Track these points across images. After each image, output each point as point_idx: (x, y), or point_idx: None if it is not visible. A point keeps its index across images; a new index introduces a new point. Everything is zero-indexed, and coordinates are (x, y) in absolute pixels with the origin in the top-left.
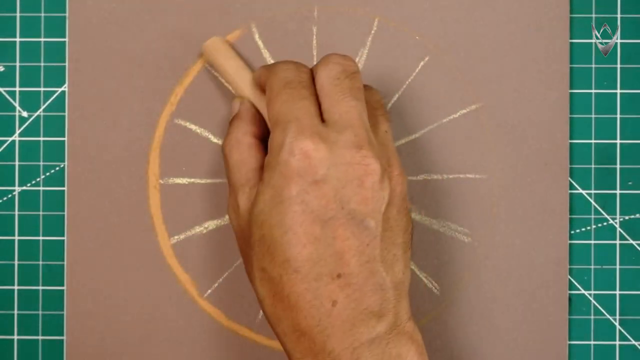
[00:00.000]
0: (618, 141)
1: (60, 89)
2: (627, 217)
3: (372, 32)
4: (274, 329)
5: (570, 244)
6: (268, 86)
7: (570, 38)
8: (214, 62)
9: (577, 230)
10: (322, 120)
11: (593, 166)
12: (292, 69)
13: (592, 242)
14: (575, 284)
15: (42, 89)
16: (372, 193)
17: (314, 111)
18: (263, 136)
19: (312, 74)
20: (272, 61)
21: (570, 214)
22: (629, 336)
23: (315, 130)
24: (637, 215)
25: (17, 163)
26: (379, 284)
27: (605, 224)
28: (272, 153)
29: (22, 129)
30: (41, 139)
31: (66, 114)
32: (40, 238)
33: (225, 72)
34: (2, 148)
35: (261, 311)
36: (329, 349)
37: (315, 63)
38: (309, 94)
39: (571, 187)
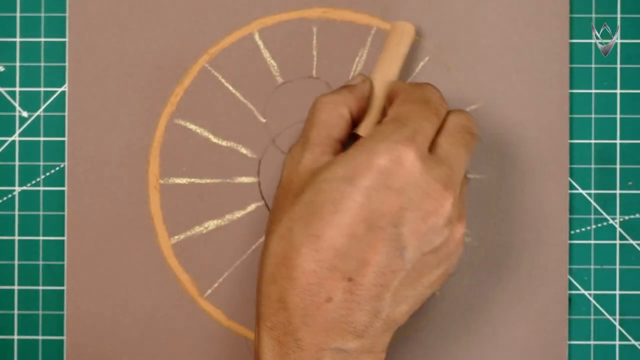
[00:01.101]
0: (618, 141)
1: (60, 89)
2: (627, 217)
3: (372, 32)
4: (260, 287)
5: (570, 244)
6: (409, 90)
7: (570, 38)
8: (392, 39)
9: (577, 230)
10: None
11: (593, 166)
12: (438, 96)
13: (592, 242)
14: (575, 284)
15: (42, 89)
16: (427, 231)
17: (431, 135)
18: (355, 118)
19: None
20: (272, 62)
21: (570, 214)
22: (628, 336)
23: (422, 148)
24: (637, 215)
25: (17, 163)
26: (376, 310)
27: (605, 224)
28: (372, 139)
29: (22, 129)
30: (41, 139)
31: (66, 114)
32: (40, 238)
33: (389, 53)
34: (2, 148)
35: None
36: (299, 336)
37: (315, 64)
38: (437, 122)
39: (571, 187)
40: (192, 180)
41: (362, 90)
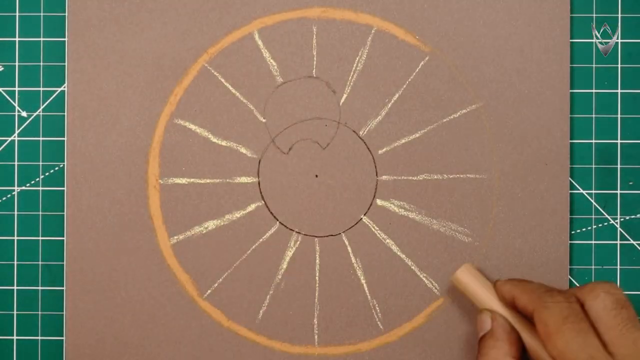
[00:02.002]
0: (619, 141)
1: (59, 89)
2: (627, 217)
3: (373, 32)
4: None
5: (570, 244)
6: (542, 321)
7: (571, 38)
8: (466, 286)
9: (578, 231)
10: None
11: (594, 166)
12: (563, 300)
13: (593, 242)
14: (576, 284)
15: (41, 88)
16: None
17: (601, 346)
18: (520, 357)
19: (580, 303)
20: (272, 62)
21: (570, 214)
22: None
23: None
24: (638, 216)
25: (16, 163)
26: None
27: (605, 224)
28: None
29: (21, 128)
30: (40, 138)
31: (65, 113)
32: (40, 238)
33: (475, 293)
34: (2, 148)
35: (261, 311)
36: None
37: (315, 63)
38: (589, 327)
39: (572, 187)
40: (192, 180)
41: (502, 327)
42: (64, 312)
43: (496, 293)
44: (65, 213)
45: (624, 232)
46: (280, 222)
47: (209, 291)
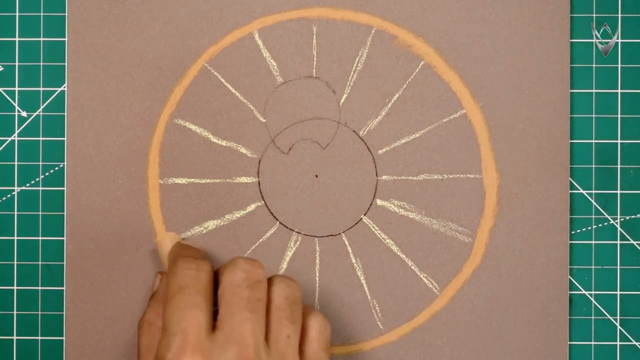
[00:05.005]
0: (619, 141)
1: (59, 89)
2: (627, 217)
3: (372, 31)
4: None
5: (570, 244)
6: (165, 285)
7: (571, 38)
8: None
9: (578, 231)
10: (215, 327)
11: (594, 166)
12: (192, 269)
13: (593, 242)
14: (576, 284)
15: (41, 88)
16: None
17: (203, 322)
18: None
19: (213, 276)
20: (272, 62)
21: (570, 214)
22: (629, 336)
23: (198, 347)
24: (638, 216)
25: (16, 163)
26: None
27: (605, 224)
28: None
29: (21, 128)
30: (40, 138)
31: (65, 113)
32: (40, 238)
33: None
34: (2, 148)
35: None
36: None
37: (315, 63)
38: (203, 301)
39: (572, 187)
40: (192, 180)
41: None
42: (64, 312)
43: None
44: (65, 213)
45: (624, 232)
46: (280, 222)
47: None
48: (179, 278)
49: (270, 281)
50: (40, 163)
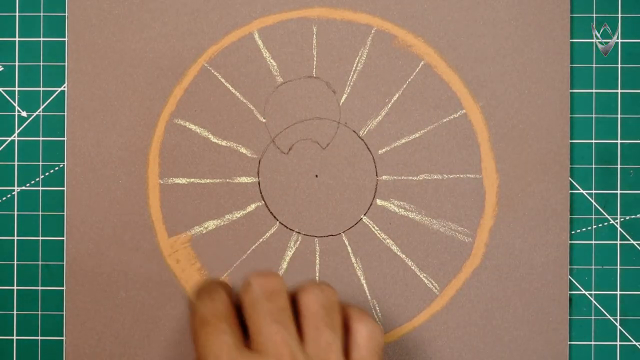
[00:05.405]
0: (619, 141)
1: (59, 89)
2: (627, 217)
3: (372, 31)
4: None
5: (570, 244)
6: (190, 325)
7: (571, 38)
8: None
9: (578, 231)
10: (251, 346)
11: (594, 166)
12: (206, 300)
13: (593, 242)
14: (576, 284)
15: (41, 88)
16: None
17: (232, 343)
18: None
19: (230, 300)
20: (272, 62)
21: (570, 214)
22: (629, 336)
23: None
24: (638, 216)
25: (16, 163)
26: None
27: (605, 224)
28: None
29: (21, 128)
30: (40, 138)
31: (65, 113)
32: (40, 238)
33: None
34: (2, 148)
35: None
36: None
37: (315, 63)
38: (227, 326)
39: (572, 187)
40: (192, 180)
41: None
42: (64, 312)
43: None
44: (65, 213)
45: (624, 232)
46: (280, 222)
47: None
48: (199, 314)
49: (303, 288)
50: (40, 163)
